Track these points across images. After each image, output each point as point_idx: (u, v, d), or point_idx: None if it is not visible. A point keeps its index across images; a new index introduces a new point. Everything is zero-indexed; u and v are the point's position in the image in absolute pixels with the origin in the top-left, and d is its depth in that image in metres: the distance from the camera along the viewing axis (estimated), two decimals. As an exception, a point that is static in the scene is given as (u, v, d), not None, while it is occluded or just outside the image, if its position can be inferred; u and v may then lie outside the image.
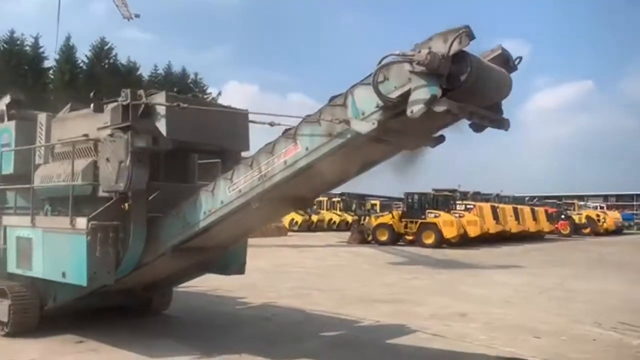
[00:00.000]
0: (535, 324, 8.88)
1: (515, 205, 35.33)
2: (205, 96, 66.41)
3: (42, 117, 8.11)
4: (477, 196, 35.89)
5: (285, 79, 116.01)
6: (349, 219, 41.64)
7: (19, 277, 7.58)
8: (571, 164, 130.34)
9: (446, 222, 27.20)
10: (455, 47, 4.32)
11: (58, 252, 6.83)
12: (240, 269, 8.01)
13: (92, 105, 7.00)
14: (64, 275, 6.69)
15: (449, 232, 26.99)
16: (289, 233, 35.18)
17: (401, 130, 5.10)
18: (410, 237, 28.21)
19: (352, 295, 11.64)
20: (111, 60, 55.54)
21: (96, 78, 51.72)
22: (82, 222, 6.44)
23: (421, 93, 4.44)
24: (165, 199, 6.77)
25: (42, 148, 7.87)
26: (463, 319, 9.27)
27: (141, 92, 6.55)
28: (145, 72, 58.17)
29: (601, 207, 53.74)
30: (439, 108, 4.36)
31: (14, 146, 8.19)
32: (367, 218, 33.68)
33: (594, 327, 8.84)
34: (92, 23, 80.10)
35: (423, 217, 27.88)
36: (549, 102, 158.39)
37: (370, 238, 29.06)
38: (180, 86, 60.84)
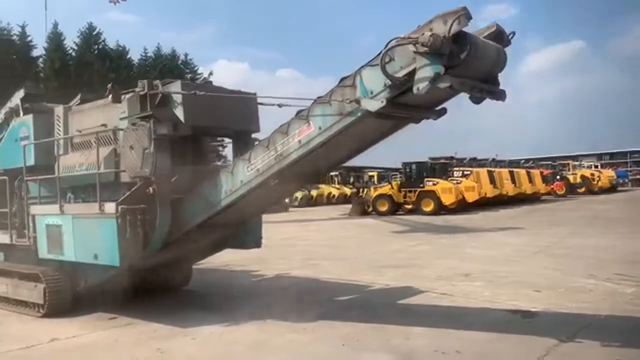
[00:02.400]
0: (535, 280, 9.45)
1: (511, 169, 35.92)
2: (196, 77, 66.67)
3: (58, 109, 8.48)
4: (474, 162, 36.45)
5: (275, 56, 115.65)
6: (348, 192, 42.29)
7: (50, 262, 8.06)
8: (564, 125, 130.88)
9: (444, 189, 27.78)
10: (455, 28, 4.75)
11: (89, 236, 7.29)
12: (257, 243, 8.50)
13: (110, 96, 7.37)
14: (96, 257, 7.17)
15: (448, 199, 27.58)
16: (290, 209, 35.70)
17: (407, 106, 5.55)
18: (409, 206, 28.81)
19: (360, 263, 12.20)
20: (100, 46, 55.25)
21: (86, 64, 51.71)
22: (110, 206, 6.90)
23: (426, 71, 4.88)
24: (185, 181, 7.22)
25: (62, 139, 8.27)
26: (468, 279, 9.83)
27: (157, 82, 6.95)
28: (134, 55, 57.84)
29: (595, 166, 54.46)
30: (443, 84, 4.81)
31: (33, 139, 8.57)
32: (366, 190, 34.24)
33: (590, 279, 9.41)
34: (76, 8, 79.11)
35: (422, 185, 28.45)
36: (539, 63, 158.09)
37: (370, 209, 29.66)
38: (171, 68, 60.84)
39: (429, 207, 27.71)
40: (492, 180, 31.39)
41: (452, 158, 34.12)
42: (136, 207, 6.81)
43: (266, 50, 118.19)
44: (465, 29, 4.80)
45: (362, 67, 5.40)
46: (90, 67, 51.81)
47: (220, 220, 7.13)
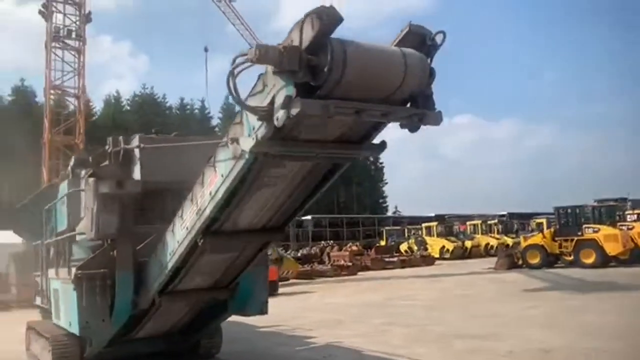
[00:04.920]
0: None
1: None
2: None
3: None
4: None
5: (451, 101, 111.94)
6: (510, 242, 38.37)
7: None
8: None
9: (608, 237, 23.50)
10: (308, 35, 3.55)
11: (66, 302, 7.05)
12: (260, 309, 7.52)
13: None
14: (70, 324, 6.86)
15: (613, 248, 23.24)
16: (438, 262, 33.45)
17: (310, 142, 4.34)
18: (569, 258, 24.89)
19: (434, 331, 10.35)
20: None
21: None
22: (73, 272, 6.57)
23: (281, 96, 3.71)
24: (155, 242, 6.64)
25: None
26: (543, 357, 7.62)
27: (121, 138, 6.60)
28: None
29: None
30: (294, 110, 3.58)
31: (66, 204, 8.80)
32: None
33: None
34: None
35: (579, 233, 24.47)
36: None
37: (520, 262, 26.27)
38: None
39: (590, 259, 23.58)
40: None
41: (625, 199, 29.07)
42: (95, 272, 6.38)
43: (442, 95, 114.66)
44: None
45: (247, 97, 4.35)
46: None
47: (187, 284, 6.37)
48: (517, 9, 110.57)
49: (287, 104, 3.61)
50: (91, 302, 6.35)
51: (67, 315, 6.93)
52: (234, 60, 3.72)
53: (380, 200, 74.66)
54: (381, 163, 74.03)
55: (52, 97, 25.89)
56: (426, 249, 36.32)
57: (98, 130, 36.52)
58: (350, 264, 28.59)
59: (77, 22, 25.44)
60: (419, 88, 4.03)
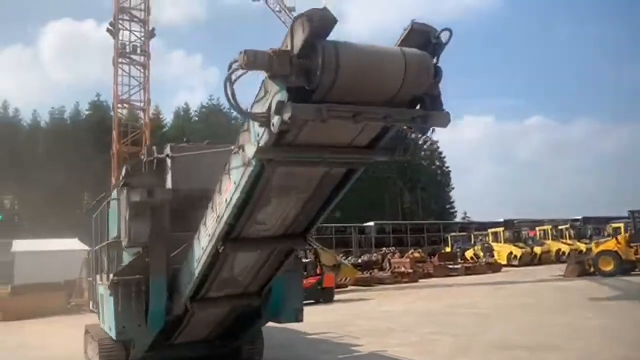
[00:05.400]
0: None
1: None
2: (419, 135, 66.63)
3: None
4: None
5: (521, 103, 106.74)
6: (583, 248, 36.43)
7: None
8: None
9: (689, 243, 21.85)
10: (299, 38, 3.51)
11: (107, 307, 7.30)
12: (295, 316, 7.50)
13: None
14: (110, 329, 7.10)
15: (695, 255, 21.58)
16: (505, 269, 32.24)
17: (317, 146, 4.28)
18: (649, 265, 23.32)
19: (483, 341, 9.93)
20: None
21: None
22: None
23: (275, 101, 3.68)
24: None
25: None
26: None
27: (154, 147, 6.79)
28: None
29: None
30: (286, 115, 3.54)
31: (116, 212, 9.16)
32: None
33: None
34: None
35: (657, 238, 22.88)
36: None
37: (592, 269, 24.84)
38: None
39: (670, 266, 22.02)
40: None
41: None
42: (130, 279, 6.58)
43: (512, 97, 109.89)
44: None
45: (253, 102, 4.34)
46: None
47: (217, 291, 6.45)
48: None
49: (280, 109, 3.57)
50: (127, 307, 6.54)
51: (108, 320, 7.18)
52: (230, 66, 3.71)
53: (448, 206, 73.01)
54: (447, 167, 72.57)
55: (119, 110, 27.19)
56: (492, 256, 35.11)
57: (168, 141, 37.92)
58: (410, 270, 28.10)
59: (142, 38, 26.61)
60: (423, 88, 3.89)
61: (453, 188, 73.29)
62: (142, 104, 26.63)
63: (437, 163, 72.28)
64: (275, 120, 3.66)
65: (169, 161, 6.57)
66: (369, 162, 4.67)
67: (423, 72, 3.77)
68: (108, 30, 26.39)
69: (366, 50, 3.64)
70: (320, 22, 3.48)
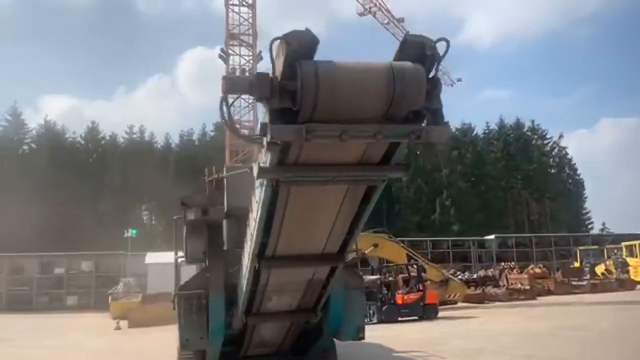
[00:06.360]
0: None
1: None
2: (545, 142, 62.67)
3: None
4: None
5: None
6: None
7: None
8: None
9: None
10: (279, 60, 3.57)
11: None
12: (356, 333, 7.44)
13: None
14: (177, 340, 7.50)
15: None
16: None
17: (325, 164, 4.25)
18: None
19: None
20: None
21: (429, 151, 55.07)
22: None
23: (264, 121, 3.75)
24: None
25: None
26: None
27: (214, 168, 7.15)
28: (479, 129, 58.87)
29: None
30: (268, 137, 3.58)
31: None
32: None
33: None
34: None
35: None
36: None
37: None
38: (516, 137, 59.24)
39: None
40: None
41: None
42: (192, 293, 6.93)
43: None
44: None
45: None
46: (434, 148, 54.99)
47: (270, 306, 6.58)
48: None
49: (264, 130, 3.63)
50: (189, 320, 6.89)
51: (177, 331, 7.61)
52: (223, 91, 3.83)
53: (582, 217, 67.39)
54: (579, 175, 67.11)
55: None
56: (627, 272, 31.86)
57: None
58: (528, 287, 26.38)
59: (251, 62, 28.08)
60: (417, 103, 3.72)
61: (586, 198, 67.65)
62: (251, 124, 28.00)
63: (568, 171, 67.22)
64: (263, 141, 3.72)
65: (225, 181, 6.87)
66: (379, 180, 4.52)
67: (413, 86, 3.62)
68: (220, 56, 28.22)
69: (348, 69, 3.58)
70: (300, 44, 3.50)
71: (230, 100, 3.84)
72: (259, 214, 4.92)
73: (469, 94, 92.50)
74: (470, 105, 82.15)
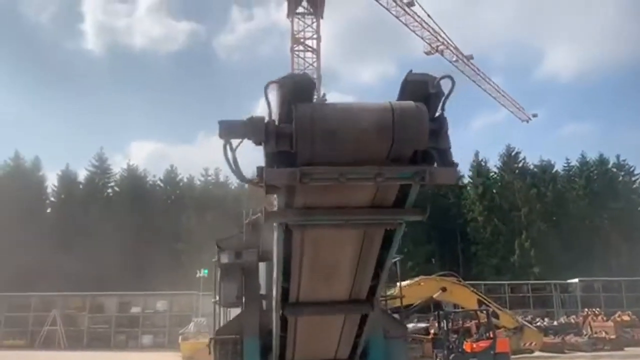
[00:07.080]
0: None
1: None
2: (633, 179, 58.48)
3: None
4: None
5: None
6: None
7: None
8: None
9: None
10: (273, 104, 3.56)
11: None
12: None
13: None
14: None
15: None
16: None
17: (335, 207, 4.12)
18: None
19: None
20: (520, 164, 56.34)
21: (507, 184, 53.28)
22: (211, 336, 7.19)
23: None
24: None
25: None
26: None
27: (251, 210, 7.18)
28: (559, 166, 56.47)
29: None
30: (264, 179, 3.53)
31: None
32: None
33: None
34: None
35: None
36: None
37: None
38: (600, 173, 56.04)
39: None
40: None
41: None
42: (227, 337, 6.88)
43: None
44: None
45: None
46: (511, 187, 53.14)
47: (305, 353, 6.39)
48: None
49: (260, 174, 3.57)
50: (223, 365, 6.83)
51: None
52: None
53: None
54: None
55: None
56: None
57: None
58: (614, 336, 24.36)
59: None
60: (421, 143, 3.55)
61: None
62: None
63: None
64: (264, 185, 3.66)
65: (260, 222, 6.84)
66: (394, 223, 4.31)
67: (414, 126, 3.45)
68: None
69: (346, 110, 3.50)
70: (294, 88, 3.47)
71: (234, 144, 3.83)
72: (278, 257, 4.83)
73: (548, 129, 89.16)
74: (550, 141, 78.95)
